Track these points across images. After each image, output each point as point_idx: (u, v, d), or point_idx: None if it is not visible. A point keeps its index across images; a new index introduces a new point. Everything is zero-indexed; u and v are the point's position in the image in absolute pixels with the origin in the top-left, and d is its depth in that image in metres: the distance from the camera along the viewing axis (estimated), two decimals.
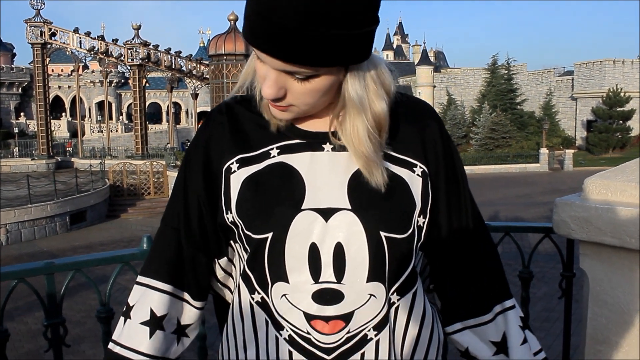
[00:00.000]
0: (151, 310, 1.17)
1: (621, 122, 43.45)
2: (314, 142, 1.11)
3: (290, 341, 1.07)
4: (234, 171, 1.12)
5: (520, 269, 2.05)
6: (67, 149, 43.35)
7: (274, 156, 1.11)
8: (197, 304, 1.22)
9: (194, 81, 37.13)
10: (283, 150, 1.11)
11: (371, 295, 1.06)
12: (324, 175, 1.08)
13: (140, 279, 1.20)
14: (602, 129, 43.53)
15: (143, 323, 1.17)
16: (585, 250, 1.59)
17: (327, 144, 1.10)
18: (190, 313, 1.22)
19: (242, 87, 1.16)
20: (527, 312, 1.96)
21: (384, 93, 1.07)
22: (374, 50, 1.08)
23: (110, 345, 1.19)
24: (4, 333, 1.62)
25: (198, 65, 35.97)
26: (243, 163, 1.12)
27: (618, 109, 43.52)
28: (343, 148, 1.10)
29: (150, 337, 1.16)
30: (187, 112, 69.04)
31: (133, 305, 1.19)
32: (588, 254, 1.59)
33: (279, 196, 1.07)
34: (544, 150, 37.20)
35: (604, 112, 44.05)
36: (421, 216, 1.12)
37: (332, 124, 1.11)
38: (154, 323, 1.17)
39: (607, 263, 1.55)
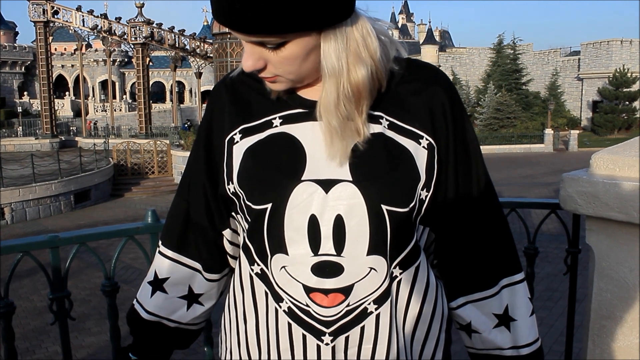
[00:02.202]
0: (155, 273, 1.26)
1: (627, 102, 43.09)
2: (316, 111, 1.08)
3: (290, 313, 1.07)
4: (237, 142, 1.12)
5: (526, 245, 2.04)
6: (88, 130, 42.50)
7: (276, 126, 1.10)
8: (208, 275, 1.24)
9: (198, 60, 37.02)
10: (285, 120, 1.10)
11: (371, 268, 1.05)
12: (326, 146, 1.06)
13: (159, 242, 1.29)
14: (607, 110, 43.18)
15: (149, 283, 1.26)
16: (592, 225, 1.58)
17: None
18: (201, 282, 1.24)
19: None
20: (532, 289, 1.96)
21: (368, 57, 1.01)
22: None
23: (134, 300, 1.29)
24: (10, 306, 1.63)
25: (202, 44, 35.81)
26: (246, 133, 1.12)
27: (624, 90, 43.10)
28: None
29: (151, 296, 1.25)
30: (190, 91, 68.77)
31: (151, 267, 1.29)
32: (594, 229, 1.58)
33: (279, 166, 1.06)
34: (548, 131, 36.95)
35: (610, 93, 43.65)
36: (424, 189, 1.09)
37: None
38: (156, 284, 1.25)
39: (613, 238, 1.54)
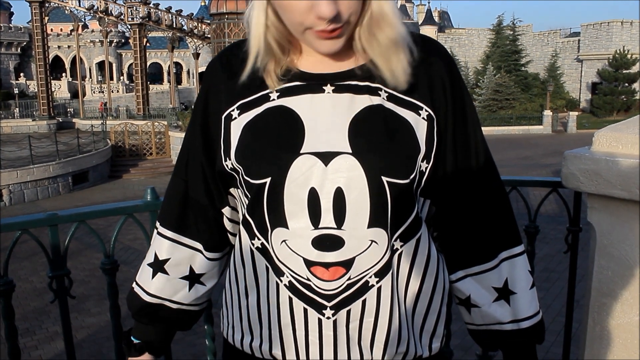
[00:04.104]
0: (155, 254, 1.24)
1: (627, 84, 42.97)
2: (314, 84, 1.08)
3: (291, 287, 1.07)
4: (235, 118, 1.11)
5: (527, 223, 2.04)
6: (100, 111, 41.78)
7: (273, 99, 1.08)
8: (209, 254, 1.23)
9: (196, 41, 36.77)
10: (283, 93, 1.08)
11: (372, 241, 1.04)
12: (325, 118, 1.05)
13: (156, 224, 1.27)
14: (607, 92, 43.07)
15: (149, 265, 1.25)
16: (594, 203, 1.57)
17: (328, 85, 1.07)
18: (202, 262, 1.23)
19: (259, 53, 1.07)
20: (532, 267, 1.95)
21: None
22: None
23: (133, 283, 1.28)
24: (10, 284, 1.62)
25: (199, 25, 35.55)
26: (243, 109, 1.10)
27: (624, 72, 42.97)
28: (345, 89, 1.07)
29: (152, 278, 1.24)
30: (188, 72, 68.44)
31: (150, 248, 1.27)
32: (596, 207, 1.57)
33: (278, 140, 1.05)
34: (547, 113, 36.91)
35: (610, 75, 43.51)
36: (424, 161, 1.08)
37: (356, 56, 1.08)
38: (156, 265, 1.24)
39: (615, 216, 1.53)
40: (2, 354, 1.69)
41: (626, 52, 43.14)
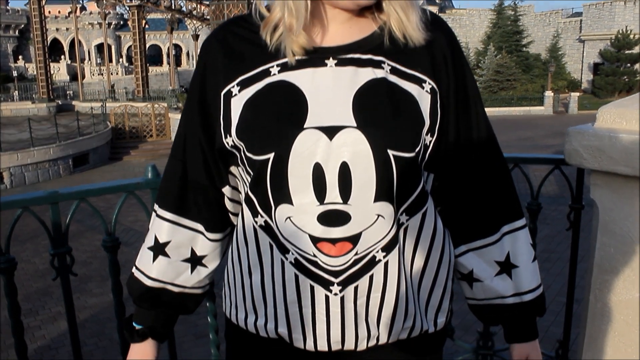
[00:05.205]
0: (155, 237, 1.22)
1: (629, 65, 42.68)
2: (316, 57, 1.06)
3: (297, 265, 1.06)
4: (235, 94, 1.09)
5: (529, 200, 2.03)
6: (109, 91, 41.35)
7: (274, 74, 1.06)
8: (210, 235, 1.21)
9: (195, 22, 36.53)
10: (284, 68, 1.06)
11: (379, 215, 1.03)
12: (328, 92, 1.03)
13: (154, 207, 1.25)
14: (609, 72, 42.81)
15: (149, 248, 1.22)
16: (597, 180, 1.56)
17: (330, 59, 1.05)
18: (203, 243, 1.21)
19: (301, 18, 1.03)
20: (535, 244, 1.95)
21: None
22: None
23: (133, 268, 1.26)
24: (11, 261, 1.62)
25: (198, 6, 35.22)
26: (244, 85, 1.08)
27: (626, 52, 42.66)
28: (347, 63, 1.05)
29: (153, 262, 1.22)
30: (187, 54, 68.01)
31: (149, 232, 1.25)
32: (599, 183, 1.56)
33: (280, 115, 1.03)
34: (548, 93, 36.78)
35: (612, 55, 43.21)
36: (429, 134, 1.07)
37: (359, 27, 1.08)
38: (157, 249, 1.21)
39: (618, 193, 1.53)
40: (4, 335, 1.70)
41: (629, 32, 42.75)
